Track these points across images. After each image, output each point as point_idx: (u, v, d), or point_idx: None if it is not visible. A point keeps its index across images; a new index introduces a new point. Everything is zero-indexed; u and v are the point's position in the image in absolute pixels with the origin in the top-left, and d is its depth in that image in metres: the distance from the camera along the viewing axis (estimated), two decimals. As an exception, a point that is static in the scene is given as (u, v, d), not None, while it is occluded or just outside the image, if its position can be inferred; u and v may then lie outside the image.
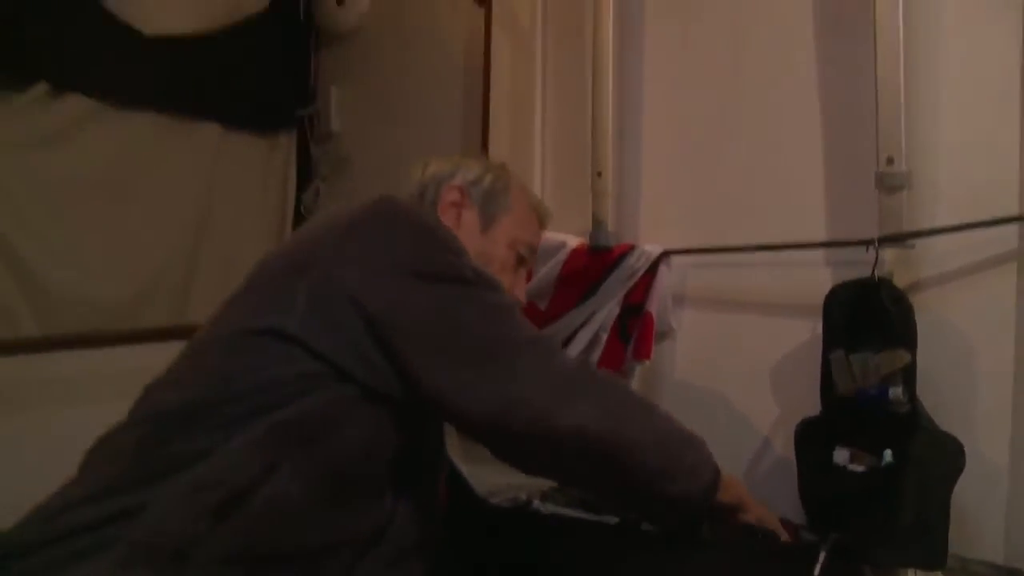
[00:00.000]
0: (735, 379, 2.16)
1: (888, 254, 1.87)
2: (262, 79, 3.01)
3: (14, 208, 2.37)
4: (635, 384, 2.28)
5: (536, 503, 1.90)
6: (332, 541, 1.24)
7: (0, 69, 2.32)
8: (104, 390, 1.50)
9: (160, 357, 1.36)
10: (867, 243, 1.84)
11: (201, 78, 2.80)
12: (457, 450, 2.02)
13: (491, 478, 1.97)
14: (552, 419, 1.25)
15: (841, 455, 1.83)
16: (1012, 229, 1.77)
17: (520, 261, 1.62)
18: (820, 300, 1.87)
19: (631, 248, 2.23)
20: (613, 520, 1.82)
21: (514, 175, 1.69)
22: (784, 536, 1.53)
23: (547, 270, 2.33)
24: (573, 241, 2.33)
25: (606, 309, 2.23)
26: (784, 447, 1.99)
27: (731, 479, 1.45)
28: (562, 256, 2.32)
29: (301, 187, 3.16)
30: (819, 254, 2.02)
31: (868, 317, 1.80)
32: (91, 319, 2.48)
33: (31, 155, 2.41)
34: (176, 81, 2.73)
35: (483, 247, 1.55)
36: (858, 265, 1.85)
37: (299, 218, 3.14)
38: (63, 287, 2.46)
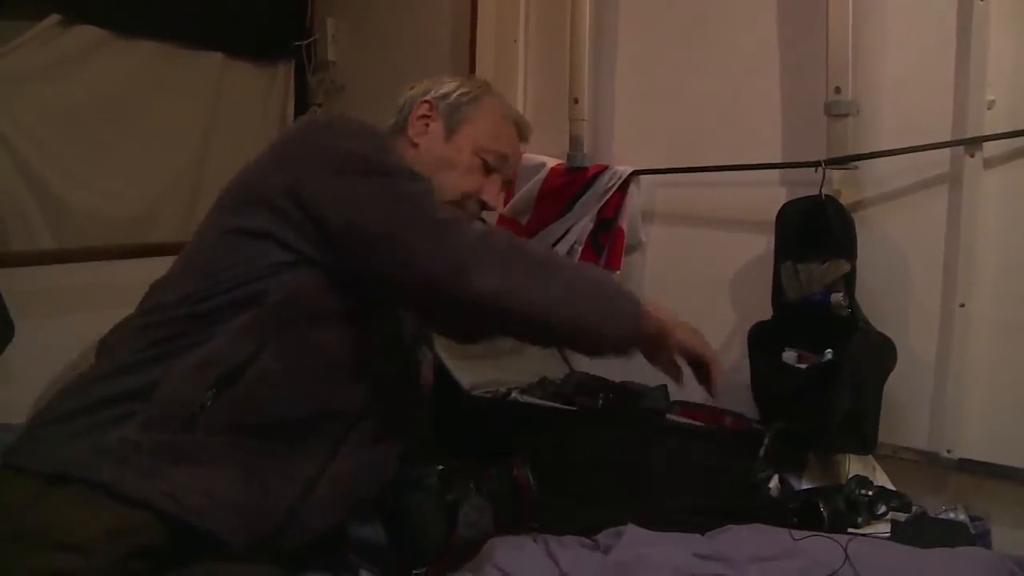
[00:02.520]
0: (698, 288, 2.31)
1: (834, 175, 2.04)
2: (262, 11, 3.08)
3: (31, 132, 2.48)
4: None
5: (515, 394, 2.06)
6: (318, 413, 1.40)
7: (14, 2, 2.41)
8: (114, 298, 1.61)
9: (165, 270, 1.51)
10: (815, 164, 2.00)
11: (204, 9, 2.87)
12: (443, 347, 2.21)
13: (475, 373, 2.16)
14: (460, 288, 1.33)
15: (789, 355, 2.02)
16: (945, 153, 1.94)
17: (487, 168, 1.69)
18: (774, 216, 2.04)
19: (604, 168, 2.37)
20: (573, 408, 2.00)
21: (494, 91, 1.78)
22: (710, 352, 1.51)
23: (528, 188, 2.48)
24: (552, 162, 2.48)
25: (581, 224, 2.38)
26: (741, 349, 2.14)
27: (651, 303, 1.48)
28: (541, 175, 2.47)
29: (299, 113, 3.24)
30: (773, 174, 2.18)
31: (815, 231, 1.98)
32: (103, 234, 2.59)
33: (45, 82, 2.51)
34: (180, 12, 2.80)
35: (446, 153, 1.67)
36: (808, 185, 2.02)
37: (297, 143, 3.23)
38: (77, 205, 2.58)
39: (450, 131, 1.68)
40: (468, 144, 1.68)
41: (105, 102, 2.67)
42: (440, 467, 1.54)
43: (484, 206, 1.72)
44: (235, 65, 3.06)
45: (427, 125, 1.70)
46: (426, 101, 1.71)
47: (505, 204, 1.80)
